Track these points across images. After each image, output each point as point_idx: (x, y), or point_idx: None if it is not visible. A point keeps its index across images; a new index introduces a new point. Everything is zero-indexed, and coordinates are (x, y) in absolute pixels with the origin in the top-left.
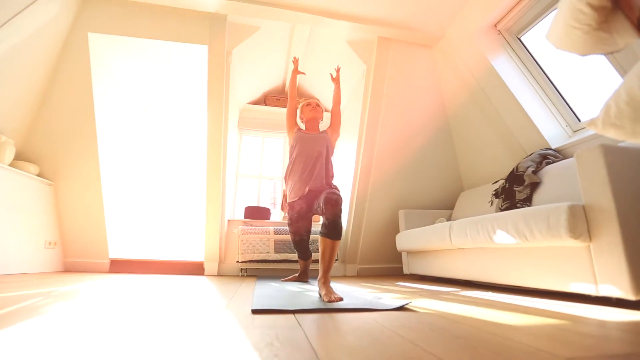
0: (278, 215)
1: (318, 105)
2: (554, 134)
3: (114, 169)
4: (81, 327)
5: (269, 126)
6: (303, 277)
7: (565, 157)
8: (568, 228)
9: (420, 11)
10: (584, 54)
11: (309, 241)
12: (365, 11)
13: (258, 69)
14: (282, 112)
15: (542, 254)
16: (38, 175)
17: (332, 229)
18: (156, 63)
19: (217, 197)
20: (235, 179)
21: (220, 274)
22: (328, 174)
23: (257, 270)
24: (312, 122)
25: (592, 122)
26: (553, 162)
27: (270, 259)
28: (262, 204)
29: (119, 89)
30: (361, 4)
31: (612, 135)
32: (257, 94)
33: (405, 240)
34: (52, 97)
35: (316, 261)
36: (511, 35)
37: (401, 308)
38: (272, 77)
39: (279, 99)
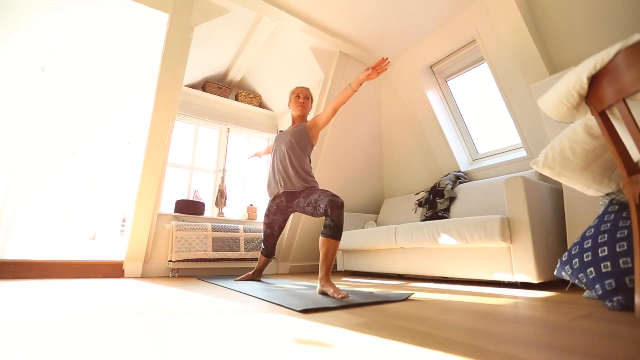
0: (212, 211)
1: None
2: (462, 160)
3: None
4: None
5: (205, 114)
6: (257, 275)
7: (471, 180)
8: (500, 234)
9: (380, 37)
10: (560, 121)
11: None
12: (335, 24)
13: (207, 52)
14: (221, 101)
15: (475, 253)
16: None
17: (337, 230)
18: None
19: (152, 188)
20: None
21: (145, 276)
22: None
23: (191, 270)
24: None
25: (535, 162)
26: (464, 182)
27: (207, 257)
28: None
29: (25, 34)
30: (333, 15)
31: (547, 173)
32: (197, 77)
33: (346, 240)
34: None
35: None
36: (442, 77)
37: (407, 299)
38: (217, 63)
39: (221, 88)
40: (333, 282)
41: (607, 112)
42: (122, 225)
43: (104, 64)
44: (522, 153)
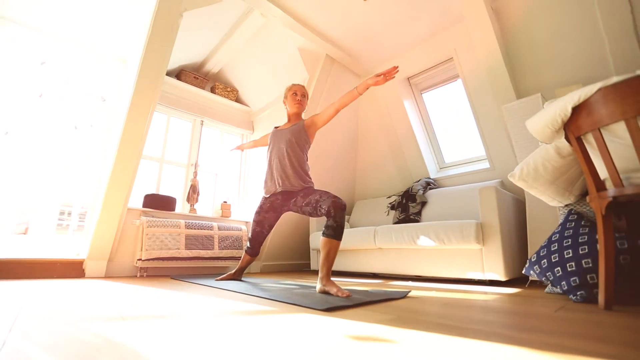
0: (182, 207)
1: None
2: (431, 168)
3: None
4: None
5: (178, 104)
6: (238, 274)
7: (440, 186)
8: (475, 237)
9: (365, 45)
10: (543, 142)
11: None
12: (325, 27)
13: (187, 39)
14: (196, 92)
15: (451, 254)
16: None
17: (339, 231)
18: None
19: (124, 181)
20: None
21: (109, 276)
22: None
23: (161, 269)
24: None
25: (512, 175)
26: (433, 188)
27: (180, 256)
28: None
29: None
30: (325, 19)
31: (521, 185)
32: (172, 64)
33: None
34: None
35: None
36: (418, 89)
37: (406, 296)
38: (196, 52)
39: (197, 78)
40: (324, 281)
41: (582, 137)
42: (60, 220)
43: (64, 39)
44: (486, 164)
